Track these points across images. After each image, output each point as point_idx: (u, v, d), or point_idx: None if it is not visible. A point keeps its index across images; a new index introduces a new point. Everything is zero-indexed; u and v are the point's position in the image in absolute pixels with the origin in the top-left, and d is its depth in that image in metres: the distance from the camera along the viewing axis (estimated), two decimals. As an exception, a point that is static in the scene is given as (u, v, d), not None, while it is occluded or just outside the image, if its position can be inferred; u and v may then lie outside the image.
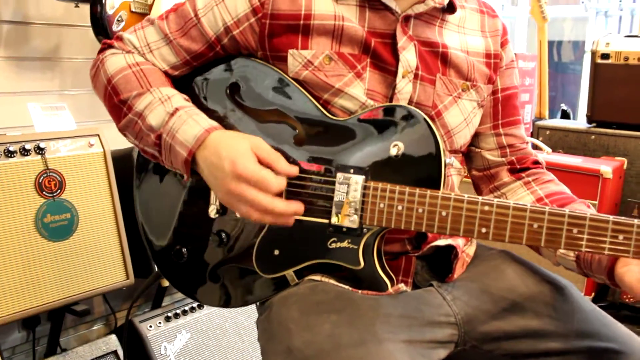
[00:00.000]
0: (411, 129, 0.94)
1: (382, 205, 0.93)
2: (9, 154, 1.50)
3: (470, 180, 1.24)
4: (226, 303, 1.07)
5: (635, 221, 0.86)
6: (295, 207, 0.93)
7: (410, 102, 1.02)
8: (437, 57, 1.05)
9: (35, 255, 1.51)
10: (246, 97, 1.03)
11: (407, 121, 0.95)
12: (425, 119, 0.94)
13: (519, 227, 0.89)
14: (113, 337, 1.70)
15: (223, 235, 1.03)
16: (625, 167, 2.07)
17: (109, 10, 1.67)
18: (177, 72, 1.06)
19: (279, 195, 0.91)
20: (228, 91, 1.03)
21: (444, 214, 0.91)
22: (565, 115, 2.61)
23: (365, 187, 0.94)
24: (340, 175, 0.95)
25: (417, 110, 0.95)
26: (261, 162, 0.90)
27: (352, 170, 0.95)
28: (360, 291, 0.96)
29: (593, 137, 2.20)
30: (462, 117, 1.08)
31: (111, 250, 1.67)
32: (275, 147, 0.97)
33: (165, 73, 1.05)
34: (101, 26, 1.68)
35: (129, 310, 1.70)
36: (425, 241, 1.05)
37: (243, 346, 1.90)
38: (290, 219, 0.93)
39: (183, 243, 1.07)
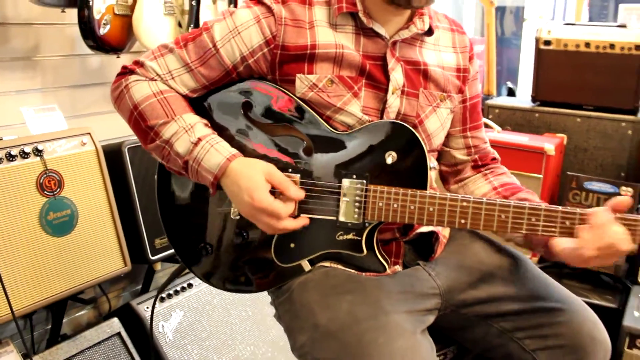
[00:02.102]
0: (403, 142, 1.14)
1: (380, 204, 1.13)
2: (10, 158, 1.59)
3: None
4: (247, 290, 1.24)
5: (578, 210, 1.10)
6: (302, 223, 1.11)
7: (398, 114, 1.21)
8: (419, 74, 1.24)
9: (41, 251, 1.63)
10: (259, 114, 1.18)
11: (400, 135, 1.14)
12: (415, 134, 1.14)
13: (490, 218, 1.12)
14: (115, 320, 1.83)
15: (244, 232, 1.19)
16: (565, 142, 2.32)
17: (96, 15, 1.76)
18: (196, 95, 1.19)
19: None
20: (242, 109, 1.19)
21: (431, 209, 1.12)
22: (511, 93, 2.84)
23: (366, 190, 1.13)
24: (345, 181, 1.14)
25: (408, 126, 1.14)
26: (274, 187, 1.07)
27: (354, 176, 1.14)
28: (364, 274, 1.17)
29: (537, 115, 2.44)
30: (439, 122, 1.28)
31: (109, 241, 1.79)
32: (289, 157, 1.15)
33: (185, 96, 1.18)
34: (89, 29, 1.77)
35: (154, 302, 1.79)
36: (412, 229, 1.26)
37: (231, 319, 2.07)
38: (298, 228, 1.11)
39: (208, 240, 1.23)
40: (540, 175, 2.15)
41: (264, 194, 1.06)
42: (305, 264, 1.18)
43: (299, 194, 1.11)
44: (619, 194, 2.07)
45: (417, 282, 1.20)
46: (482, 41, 2.74)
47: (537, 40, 2.36)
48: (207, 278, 1.25)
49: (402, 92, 1.21)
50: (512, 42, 3.84)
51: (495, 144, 2.17)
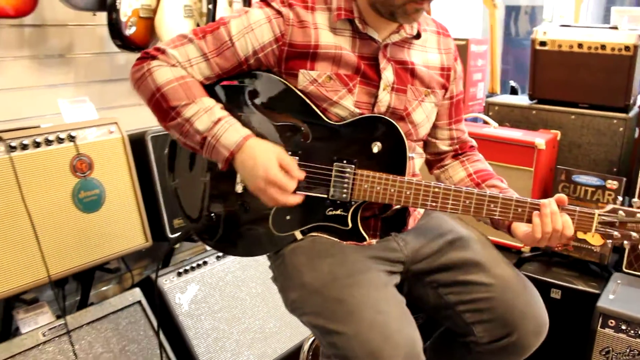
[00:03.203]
0: (388, 134, 1.33)
1: (365, 186, 1.32)
2: (48, 142, 1.81)
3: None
4: (247, 254, 1.44)
5: (529, 200, 1.30)
6: (297, 200, 1.28)
7: (388, 107, 1.39)
8: (407, 72, 1.41)
9: (73, 225, 1.85)
10: (264, 102, 1.37)
11: (386, 128, 1.34)
12: (398, 129, 1.33)
13: (456, 203, 1.32)
14: (137, 290, 2.05)
15: (246, 205, 1.38)
16: (558, 138, 2.46)
17: (123, 18, 1.97)
18: (209, 82, 1.35)
19: None
20: (249, 97, 1.37)
21: (408, 193, 1.32)
22: (513, 91, 2.97)
23: (354, 174, 1.32)
24: (336, 165, 1.33)
25: (393, 121, 1.33)
26: (281, 167, 1.25)
27: (345, 161, 1.33)
28: (345, 242, 1.36)
29: (534, 112, 2.58)
30: (424, 115, 1.46)
31: (133, 219, 2.01)
32: (289, 141, 1.34)
33: (201, 83, 1.33)
34: (116, 30, 1.98)
35: (157, 269, 2.02)
36: (390, 208, 1.44)
37: (242, 295, 2.26)
38: (293, 205, 1.29)
39: (214, 210, 1.42)
40: (532, 169, 2.28)
41: (277, 170, 1.23)
42: (298, 234, 1.37)
43: (301, 174, 1.28)
44: (605, 187, 2.21)
45: (387, 250, 1.39)
46: (485, 41, 2.89)
47: (533, 42, 2.50)
48: (212, 243, 1.45)
49: (392, 88, 1.38)
50: (521, 43, 3.96)
51: (490, 139, 2.36)
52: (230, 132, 1.26)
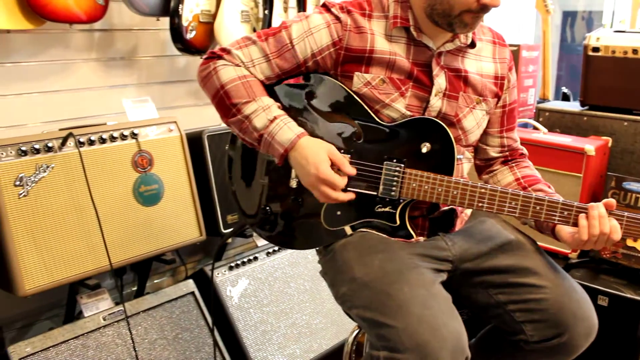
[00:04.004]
0: (436, 136, 1.38)
1: (414, 185, 1.37)
2: (112, 139, 1.93)
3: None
4: (299, 247, 1.52)
5: (575, 203, 1.33)
6: (348, 197, 1.35)
7: (439, 113, 1.44)
8: (460, 80, 1.46)
9: (134, 217, 1.96)
10: (320, 102, 1.44)
11: (435, 130, 1.38)
12: (447, 130, 1.37)
13: (502, 204, 1.35)
14: (190, 281, 2.15)
15: (299, 199, 1.45)
16: (610, 145, 2.44)
17: (184, 22, 2.08)
18: (270, 82, 1.43)
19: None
20: (306, 97, 1.44)
21: (455, 192, 1.36)
22: (565, 98, 2.95)
23: (403, 172, 1.38)
24: (386, 164, 1.38)
25: (442, 123, 1.37)
26: (332, 164, 1.31)
27: (395, 160, 1.38)
28: (393, 238, 1.41)
29: (585, 118, 2.56)
30: (475, 122, 1.50)
31: (189, 213, 2.11)
32: (342, 140, 1.40)
33: (262, 82, 1.41)
34: (178, 34, 2.10)
35: (214, 261, 2.12)
36: (437, 209, 1.48)
37: (290, 291, 2.34)
38: (344, 202, 1.35)
39: (270, 203, 1.50)
40: (580, 175, 2.28)
41: (327, 167, 1.30)
42: (348, 229, 1.43)
43: (352, 170, 1.35)
44: (658, 194, 2.18)
45: (435, 248, 1.43)
46: (537, 47, 2.88)
47: (586, 47, 2.49)
48: (266, 235, 1.52)
49: (444, 94, 1.43)
50: (576, 49, 3.91)
51: (539, 144, 2.36)
52: (284, 130, 1.33)
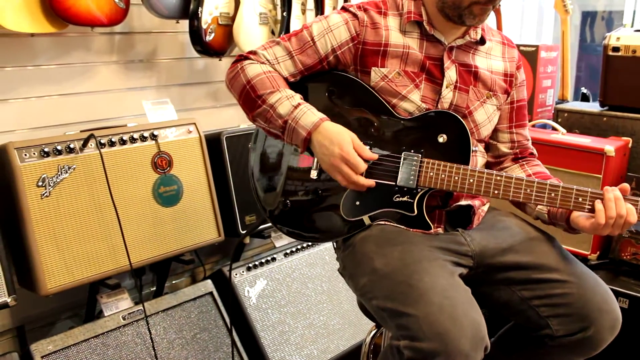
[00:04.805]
0: (453, 126, 1.42)
1: (431, 174, 1.40)
2: (133, 140, 1.96)
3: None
4: (317, 239, 1.54)
5: (590, 189, 1.33)
6: (369, 183, 1.40)
7: (451, 104, 1.49)
8: (470, 74, 1.51)
9: (154, 218, 1.99)
10: (340, 98, 1.49)
11: (450, 121, 1.43)
12: (461, 121, 1.41)
13: (518, 191, 1.37)
14: (209, 281, 2.17)
15: (319, 191, 1.48)
16: (630, 145, 2.41)
17: (203, 25, 2.10)
18: (294, 79, 1.49)
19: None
20: (327, 93, 1.50)
21: (471, 180, 1.39)
22: (584, 98, 2.93)
23: (421, 162, 1.41)
24: (405, 154, 1.42)
25: (457, 115, 1.42)
26: (355, 148, 1.36)
27: (412, 151, 1.43)
28: (412, 230, 1.43)
29: (605, 119, 2.54)
30: (485, 116, 1.54)
31: (207, 215, 2.13)
32: (362, 133, 1.43)
33: (286, 79, 1.48)
34: (197, 36, 2.12)
35: (231, 262, 2.14)
36: (452, 198, 1.51)
37: (307, 292, 2.35)
38: (364, 188, 1.39)
39: (290, 196, 1.52)
40: (600, 176, 2.25)
41: (351, 147, 1.35)
42: (366, 219, 1.45)
43: (373, 155, 1.40)
44: (680, 195, 2.15)
45: (454, 243, 1.44)
46: (556, 47, 2.86)
47: (606, 47, 2.46)
48: (284, 228, 1.54)
49: (455, 87, 1.49)
50: (595, 49, 3.87)
51: (558, 145, 2.35)
52: (308, 115, 1.39)
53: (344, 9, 1.51)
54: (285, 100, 1.41)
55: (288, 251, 2.39)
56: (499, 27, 2.94)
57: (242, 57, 1.50)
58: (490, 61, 1.56)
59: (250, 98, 1.44)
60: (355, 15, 1.48)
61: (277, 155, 1.55)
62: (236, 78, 1.47)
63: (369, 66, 1.47)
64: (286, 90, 1.43)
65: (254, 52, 1.49)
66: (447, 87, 1.48)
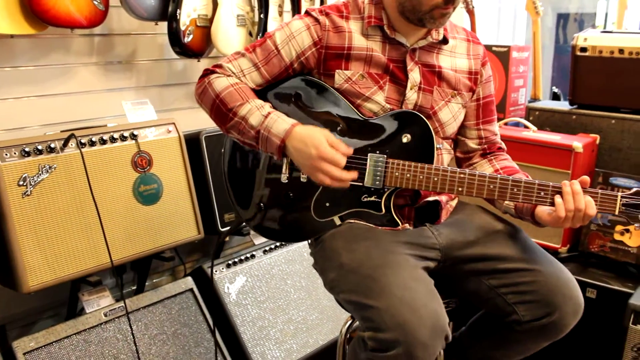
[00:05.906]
0: (416, 126, 1.46)
1: (397, 174, 1.45)
2: (113, 140, 1.99)
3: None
4: (290, 239, 1.58)
5: (551, 183, 1.36)
6: (352, 176, 1.41)
7: (415, 105, 1.52)
8: (434, 74, 1.54)
9: (134, 216, 2.02)
10: (307, 102, 1.52)
11: (414, 121, 1.46)
12: (425, 121, 1.45)
13: (481, 187, 1.42)
14: (189, 278, 2.20)
15: (290, 194, 1.52)
16: (598, 142, 2.50)
17: (182, 27, 2.14)
18: (260, 88, 1.53)
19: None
20: (293, 98, 1.53)
21: (435, 179, 1.43)
22: (555, 97, 3.02)
23: (386, 163, 1.45)
24: (370, 155, 1.46)
25: (420, 114, 1.46)
26: (330, 146, 1.38)
27: (378, 152, 1.47)
28: (380, 227, 1.48)
29: (574, 117, 2.62)
30: (450, 114, 1.58)
31: (187, 213, 2.16)
32: None
33: (253, 89, 1.51)
34: (176, 38, 2.16)
35: (212, 257, 2.17)
36: (420, 197, 1.55)
37: (286, 288, 2.40)
38: (347, 184, 1.41)
39: (262, 200, 1.57)
40: (569, 171, 2.33)
41: (327, 146, 1.37)
42: (336, 219, 1.50)
43: (349, 150, 1.42)
44: (644, 190, 2.24)
45: (421, 237, 1.49)
46: (527, 48, 2.94)
47: (574, 48, 2.55)
48: (259, 229, 1.59)
49: (419, 88, 1.52)
50: (567, 50, 3.96)
51: (529, 142, 2.42)
52: (279, 122, 1.42)
53: (306, 13, 1.53)
54: (256, 111, 1.43)
55: (267, 248, 2.43)
56: (473, 28, 3.02)
57: (208, 72, 1.51)
58: (455, 60, 1.59)
59: (221, 112, 1.46)
60: (317, 20, 1.50)
61: (248, 160, 1.58)
62: (205, 93, 1.49)
63: (333, 69, 1.50)
64: (255, 100, 1.45)
65: (219, 66, 1.51)
66: (411, 89, 1.51)
